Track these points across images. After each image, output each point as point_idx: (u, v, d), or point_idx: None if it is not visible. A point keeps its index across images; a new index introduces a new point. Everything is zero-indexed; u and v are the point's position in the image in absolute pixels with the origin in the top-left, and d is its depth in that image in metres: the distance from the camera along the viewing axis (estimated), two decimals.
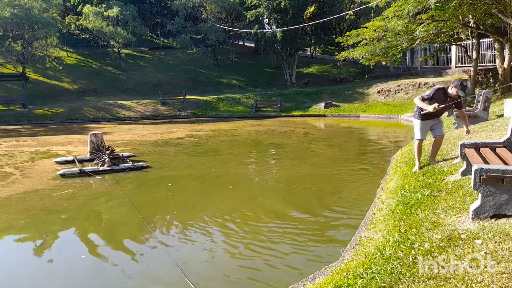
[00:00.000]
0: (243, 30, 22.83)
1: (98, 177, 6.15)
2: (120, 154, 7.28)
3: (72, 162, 7.04)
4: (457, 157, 4.19)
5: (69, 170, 6.34)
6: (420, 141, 4.28)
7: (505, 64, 10.35)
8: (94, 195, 5.30)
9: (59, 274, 3.13)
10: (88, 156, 7.29)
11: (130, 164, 6.71)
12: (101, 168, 6.44)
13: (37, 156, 8.11)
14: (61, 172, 6.22)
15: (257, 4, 21.57)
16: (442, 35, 11.25)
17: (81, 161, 7.03)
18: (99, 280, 3.01)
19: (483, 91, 7.51)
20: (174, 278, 2.90)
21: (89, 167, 6.62)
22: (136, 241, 3.74)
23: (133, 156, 7.69)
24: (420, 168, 4.22)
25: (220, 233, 3.82)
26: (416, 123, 4.27)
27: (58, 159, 7.34)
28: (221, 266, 3.14)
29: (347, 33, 13.63)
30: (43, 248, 3.67)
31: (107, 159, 6.61)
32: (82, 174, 6.22)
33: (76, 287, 2.91)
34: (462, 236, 2.32)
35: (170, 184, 5.70)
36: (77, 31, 26.85)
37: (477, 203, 2.55)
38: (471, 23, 10.59)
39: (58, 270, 3.22)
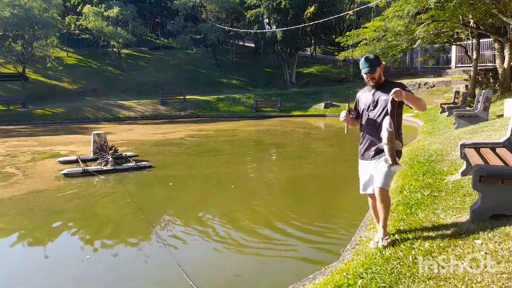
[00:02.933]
0: (243, 30, 22.83)
1: (101, 176, 6.15)
2: (123, 154, 7.29)
3: (75, 161, 7.06)
4: (457, 157, 4.19)
5: (72, 169, 6.35)
6: (370, 196, 2.59)
7: (505, 64, 10.34)
8: (98, 195, 5.31)
9: (64, 274, 3.13)
10: (91, 155, 7.30)
11: (133, 163, 6.72)
12: (104, 168, 6.45)
13: (39, 156, 8.11)
14: (64, 171, 6.24)
15: (257, 4, 21.58)
16: (442, 35, 11.24)
17: (84, 161, 7.04)
18: (101, 279, 3.01)
19: (483, 91, 7.52)
20: (176, 278, 2.90)
21: (93, 166, 6.62)
22: (138, 241, 3.75)
23: (136, 156, 7.70)
24: (384, 239, 2.43)
25: (222, 233, 3.82)
26: None
27: (61, 158, 7.36)
28: (222, 266, 3.14)
29: (347, 33, 13.63)
30: (47, 249, 3.67)
31: (110, 159, 6.62)
32: (85, 173, 6.23)
33: (79, 287, 2.92)
34: (462, 236, 2.32)
35: (171, 184, 5.71)
36: (77, 31, 26.85)
37: (477, 203, 2.55)
38: (471, 23, 10.59)
39: (63, 270, 3.21)
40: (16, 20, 18.83)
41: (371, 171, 2.50)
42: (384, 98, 2.40)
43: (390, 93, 2.21)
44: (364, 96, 2.55)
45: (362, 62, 2.42)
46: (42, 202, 4.91)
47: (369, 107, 2.49)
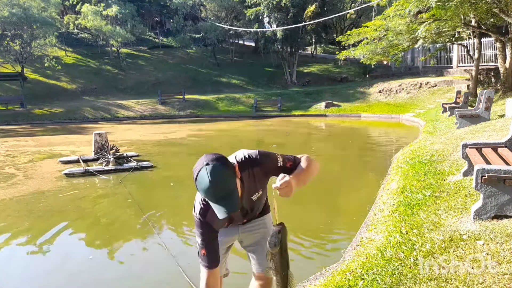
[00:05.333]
0: (243, 29, 22.81)
1: (103, 176, 6.13)
2: (124, 154, 7.29)
3: (76, 161, 7.06)
4: (459, 158, 4.17)
5: (74, 169, 6.35)
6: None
7: (507, 64, 10.33)
8: (99, 195, 5.30)
9: (67, 274, 3.12)
10: (92, 155, 7.30)
11: (135, 163, 6.71)
12: (105, 168, 6.45)
13: (40, 156, 8.09)
14: (66, 171, 6.23)
15: (257, 2, 21.54)
16: (444, 34, 11.23)
17: (86, 161, 7.05)
18: (103, 279, 3.01)
19: (485, 90, 7.50)
20: (176, 278, 2.89)
21: (94, 166, 6.61)
22: (140, 242, 3.74)
23: (137, 155, 7.69)
24: None
25: None
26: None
27: (62, 158, 7.37)
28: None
29: (348, 32, 13.60)
30: (49, 249, 3.65)
31: (111, 159, 6.61)
32: (86, 173, 6.23)
33: (81, 286, 2.91)
34: (464, 237, 2.31)
35: (172, 184, 5.70)
36: (75, 30, 26.81)
37: (479, 203, 2.53)
38: (473, 23, 10.57)
39: (65, 271, 3.20)
40: (14, 19, 18.79)
41: (229, 241, 1.73)
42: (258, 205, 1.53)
43: (273, 188, 1.30)
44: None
45: (209, 193, 1.24)
46: (43, 202, 4.89)
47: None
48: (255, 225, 1.66)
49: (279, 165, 1.45)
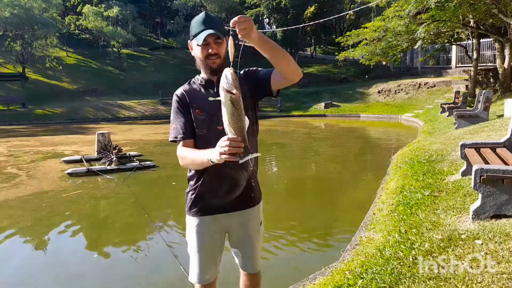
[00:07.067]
0: None
1: (106, 176, 6.16)
2: (127, 154, 7.32)
3: (79, 161, 7.11)
4: (457, 158, 4.19)
5: (77, 169, 6.39)
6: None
7: (506, 64, 10.37)
8: (102, 194, 5.32)
9: (69, 274, 3.14)
10: (95, 155, 7.34)
11: (137, 163, 6.75)
12: (108, 167, 6.48)
13: (43, 156, 8.12)
14: (69, 171, 6.27)
15: (257, 3, 21.62)
16: (443, 35, 11.28)
17: (89, 160, 7.09)
18: (106, 279, 3.03)
19: (484, 91, 7.54)
20: (179, 278, 2.91)
21: (97, 166, 6.66)
22: (142, 241, 3.76)
23: (140, 155, 7.72)
24: None
25: None
26: (188, 230, 1.59)
27: (66, 158, 7.42)
28: (224, 266, 3.15)
29: (347, 33, 13.66)
30: (52, 249, 3.67)
31: (114, 158, 6.65)
32: (89, 173, 6.27)
33: (84, 286, 2.93)
34: (462, 236, 2.33)
35: (174, 183, 5.73)
36: (77, 31, 26.88)
37: (478, 203, 2.56)
38: (472, 23, 10.61)
39: (68, 270, 3.23)
40: (16, 20, 18.85)
41: (222, 236, 1.51)
42: (244, 92, 1.36)
43: (231, 22, 1.21)
44: (201, 97, 1.49)
45: (199, 20, 1.38)
46: (47, 202, 4.91)
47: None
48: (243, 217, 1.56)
49: (256, 68, 1.59)
